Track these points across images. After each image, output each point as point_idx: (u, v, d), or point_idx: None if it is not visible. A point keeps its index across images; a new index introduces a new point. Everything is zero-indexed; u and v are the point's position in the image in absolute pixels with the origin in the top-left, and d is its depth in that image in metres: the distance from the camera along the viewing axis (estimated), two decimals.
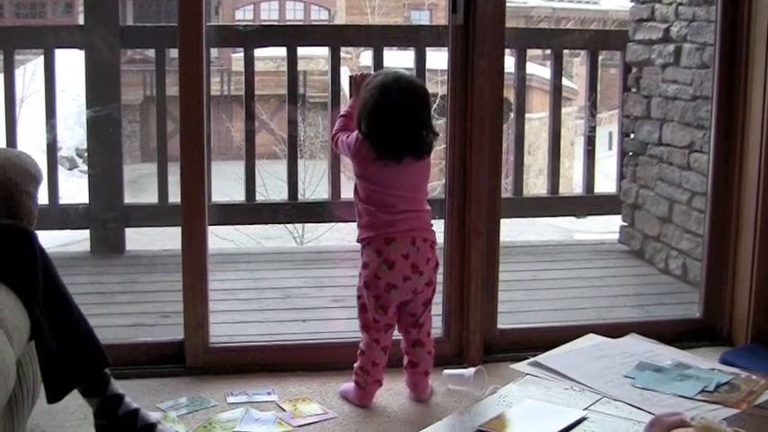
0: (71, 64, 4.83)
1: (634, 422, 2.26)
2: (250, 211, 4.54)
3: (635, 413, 2.32)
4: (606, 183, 5.16)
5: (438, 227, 3.01)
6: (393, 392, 2.72)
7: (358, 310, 2.65)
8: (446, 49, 2.94)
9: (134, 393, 2.38)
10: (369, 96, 2.55)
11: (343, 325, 3.25)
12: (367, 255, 2.59)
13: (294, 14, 9.31)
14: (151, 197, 4.56)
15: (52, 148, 4.44)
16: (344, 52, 5.99)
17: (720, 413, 2.29)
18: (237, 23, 8.62)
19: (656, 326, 3.18)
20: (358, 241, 2.64)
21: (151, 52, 4.69)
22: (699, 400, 2.41)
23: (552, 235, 6.30)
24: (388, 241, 2.55)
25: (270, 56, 6.21)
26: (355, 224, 2.67)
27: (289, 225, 6.27)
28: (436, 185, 5.35)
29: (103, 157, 4.50)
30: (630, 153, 4.49)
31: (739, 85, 3.08)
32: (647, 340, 2.90)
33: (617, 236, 4.62)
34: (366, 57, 6.25)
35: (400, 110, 2.52)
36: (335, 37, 4.64)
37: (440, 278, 3.02)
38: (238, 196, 4.54)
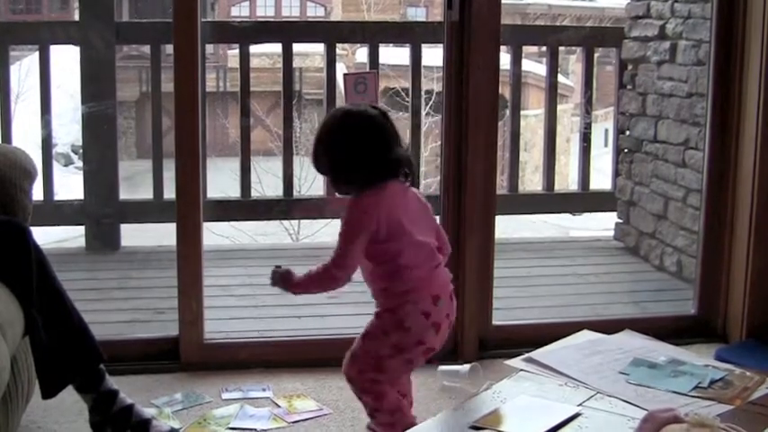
0: (68, 60, 4.82)
1: (628, 418, 2.26)
2: (245, 208, 4.54)
3: (629, 409, 2.32)
4: (602, 180, 5.17)
5: None
6: None
7: (369, 385, 2.33)
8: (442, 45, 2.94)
9: (129, 389, 2.38)
10: (322, 138, 2.28)
11: (339, 321, 3.25)
12: (407, 317, 2.26)
13: (290, 11, 9.30)
14: (147, 194, 4.56)
15: (47, 144, 4.43)
16: (341, 49, 6.01)
17: (714, 409, 2.29)
18: (233, 19, 8.61)
19: (651, 322, 3.18)
20: (388, 309, 2.29)
21: (147, 48, 4.69)
22: (693, 397, 2.41)
23: (548, 232, 6.31)
24: (435, 300, 2.28)
25: (266, 52, 6.20)
26: None
27: (284, 221, 6.27)
28: (432, 182, 5.36)
29: (99, 153, 4.50)
30: (626, 150, 4.50)
31: (734, 83, 3.09)
32: (641, 336, 2.90)
33: (612, 233, 4.63)
34: (362, 53, 6.25)
35: (360, 127, 2.26)
36: (331, 34, 4.63)
37: None
38: (234, 193, 4.54)
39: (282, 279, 2.33)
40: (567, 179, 6.54)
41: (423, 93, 4.67)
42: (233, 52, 6.53)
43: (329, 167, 2.29)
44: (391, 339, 2.28)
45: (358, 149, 2.25)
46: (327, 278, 2.29)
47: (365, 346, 2.31)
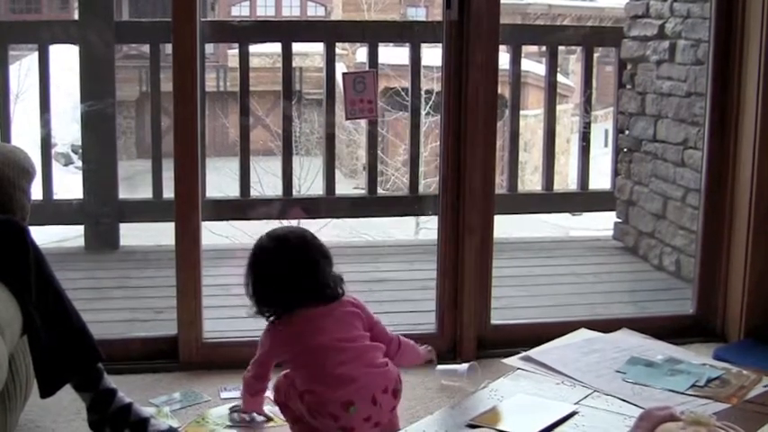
0: (67, 59, 4.82)
1: (624, 416, 2.26)
2: (244, 207, 4.54)
3: (625, 407, 2.33)
4: (601, 179, 5.17)
5: (432, 223, 3.01)
6: None
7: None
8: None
9: (127, 388, 2.38)
10: (248, 264, 2.43)
11: None
12: (315, 411, 2.22)
13: (290, 11, 9.29)
14: (146, 193, 4.56)
15: (46, 143, 4.44)
16: (340, 48, 6.00)
17: (711, 408, 2.30)
18: (233, 19, 8.61)
19: (649, 322, 3.18)
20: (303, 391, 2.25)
21: (146, 48, 4.69)
22: (689, 395, 2.42)
23: (547, 232, 6.31)
24: (344, 406, 2.18)
25: (265, 52, 6.20)
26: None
27: (284, 221, 6.26)
28: (431, 182, 5.37)
29: (98, 152, 4.51)
30: (625, 150, 4.50)
31: (733, 82, 3.09)
32: (638, 335, 2.91)
33: (611, 232, 4.63)
34: (362, 53, 6.25)
35: (284, 253, 2.39)
36: (331, 33, 4.63)
37: (433, 274, 3.04)
38: (234, 192, 4.54)
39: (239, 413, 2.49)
40: (567, 179, 6.54)
41: (422, 92, 4.68)
42: (233, 52, 6.52)
43: (252, 299, 2.39)
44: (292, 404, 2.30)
45: (268, 285, 2.37)
46: (246, 384, 2.43)
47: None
